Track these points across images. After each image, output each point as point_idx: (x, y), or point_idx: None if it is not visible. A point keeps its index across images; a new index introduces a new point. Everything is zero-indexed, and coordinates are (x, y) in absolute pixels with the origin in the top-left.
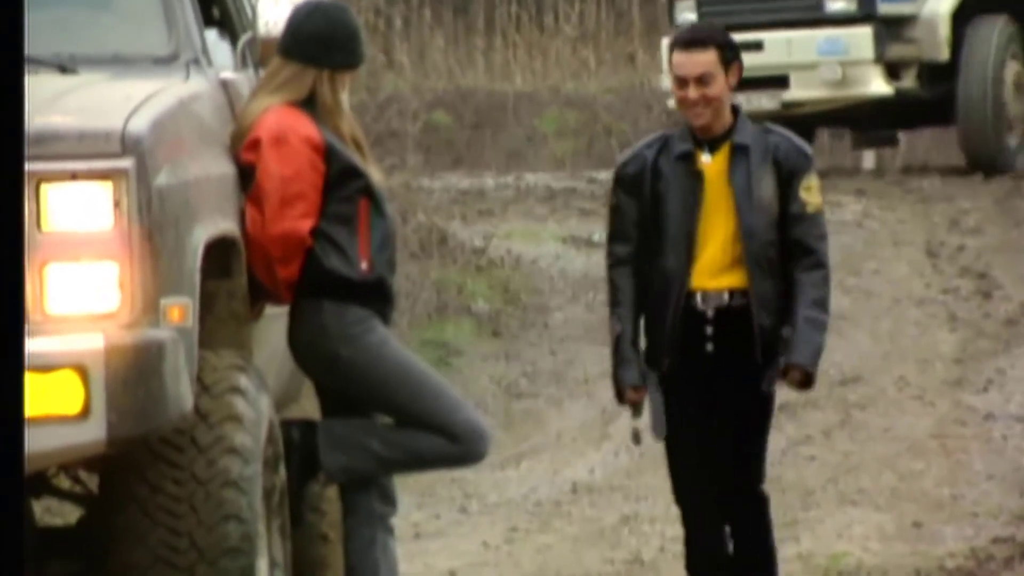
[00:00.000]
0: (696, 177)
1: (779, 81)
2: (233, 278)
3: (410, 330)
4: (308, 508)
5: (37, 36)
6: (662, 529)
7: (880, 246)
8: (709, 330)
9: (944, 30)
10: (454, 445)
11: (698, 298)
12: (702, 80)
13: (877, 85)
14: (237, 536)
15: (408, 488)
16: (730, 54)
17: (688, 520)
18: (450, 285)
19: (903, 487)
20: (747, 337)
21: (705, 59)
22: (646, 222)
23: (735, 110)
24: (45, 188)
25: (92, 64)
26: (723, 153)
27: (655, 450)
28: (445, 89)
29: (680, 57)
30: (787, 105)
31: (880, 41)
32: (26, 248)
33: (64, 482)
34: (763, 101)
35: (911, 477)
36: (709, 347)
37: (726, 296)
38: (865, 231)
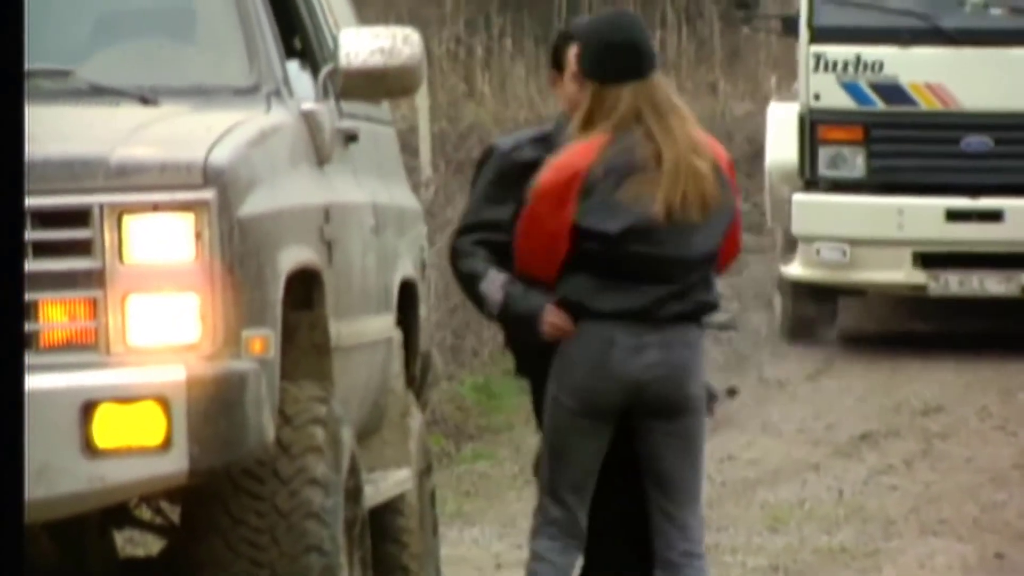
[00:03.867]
0: None
1: (1020, 260)
2: (314, 309)
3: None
4: (389, 540)
5: (119, 67)
6: (743, 559)
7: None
8: None
9: None
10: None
11: None
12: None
13: None
14: (319, 568)
15: (489, 519)
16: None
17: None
18: None
19: (985, 518)
20: None
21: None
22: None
23: None
24: (127, 219)
25: (174, 95)
26: None
27: (736, 480)
28: (526, 118)
29: None
30: None
31: None
32: (108, 279)
33: (146, 513)
34: (992, 285)
35: (993, 508)
36: None
37: None
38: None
